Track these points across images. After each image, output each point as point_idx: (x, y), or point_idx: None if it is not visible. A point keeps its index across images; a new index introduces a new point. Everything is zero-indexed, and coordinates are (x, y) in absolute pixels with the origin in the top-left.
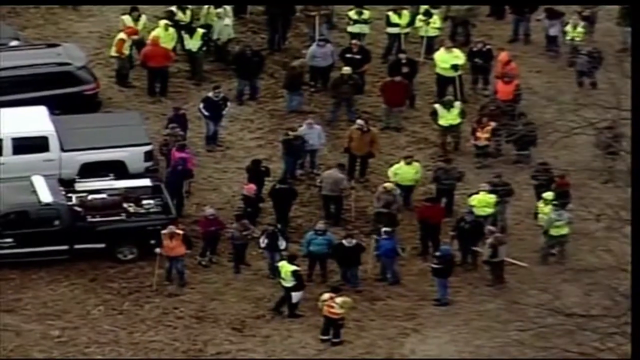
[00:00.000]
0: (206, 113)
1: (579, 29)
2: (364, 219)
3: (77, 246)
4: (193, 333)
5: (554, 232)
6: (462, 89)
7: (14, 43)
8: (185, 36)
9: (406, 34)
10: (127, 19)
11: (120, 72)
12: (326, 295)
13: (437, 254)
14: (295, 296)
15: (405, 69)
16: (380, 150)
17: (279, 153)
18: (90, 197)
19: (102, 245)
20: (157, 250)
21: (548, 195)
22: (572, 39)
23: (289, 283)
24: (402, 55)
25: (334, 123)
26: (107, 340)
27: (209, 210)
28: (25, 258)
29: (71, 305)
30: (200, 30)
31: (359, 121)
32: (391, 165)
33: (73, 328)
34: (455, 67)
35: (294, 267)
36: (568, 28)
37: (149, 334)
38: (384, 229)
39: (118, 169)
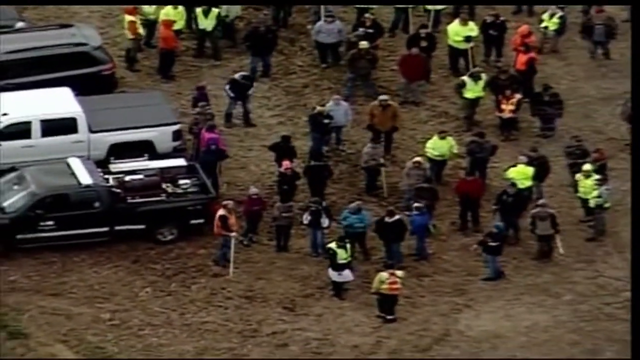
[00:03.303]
0: (232, 94)
1: (555, 19)
2: (396, 195)
3: (117, 228)
4: (245, 313)
5: (607, 204)
6: (474, 61)
7: (20, 24)
8: (200, 16)
9: (413, 7)
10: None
11: (129, 54)
12: (385, 275)
13: (493, 231)
14: (331, 274)
15: (423, 43)
16: (402, 125)
17: (301, 130)
18: (127, 178)
19: (143, 227)
20: (233, 234)
21: (587, 167)
22: (546, 27)
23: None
24: (422, 30)
25: (352, 98)
26: (159, 322)
27: (252, 190)
28: (66, 241)
29: (118, 287)
30: (215, 10)
31: (383, 96)
32: (417, 140)
33: (124, 310)
34: (468, 39)
35: (331, 245)
36: (545, 16)
37: (200, 315)
38: (415, 204)
39: (146, 149)
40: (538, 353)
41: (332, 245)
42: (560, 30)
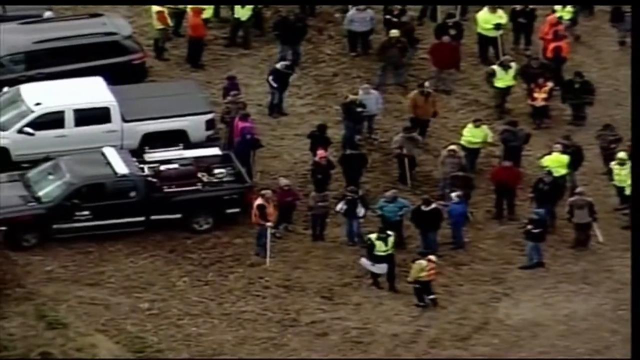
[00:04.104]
0: (275, 85)
1: (568, 8)
2: (430, 183)
3: (153, 217)
4: (283, 302)
5: None
6: (503, 49)
7: (48, 14)
8: (237, 6)
9: None
10: None
11: (158, 44)
12: (424, 262)
13: (534, 217)
14: (362, 262)
15: (451, 32)
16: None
17: (333, 119)
18: (163, 167)
19: (178, 216)
20: (268, 224)
21: (622, 155)
22: (561, 18)
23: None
24: (449, 20)
25: (382, 87)
26: (198, 312)
27: (283, 181)
28: (102, 230)
29: (155, 277)
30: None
31: (427, 83)
32: (449, 128)
33: (161, 300)
34: (498, 27)
35: (371, 235)
36: (557, 7)
37: (239, 305)
38: (454, 193)
39: (179, 139)
40: (578, 342)
41: (372, 236)
42: (575, 18)
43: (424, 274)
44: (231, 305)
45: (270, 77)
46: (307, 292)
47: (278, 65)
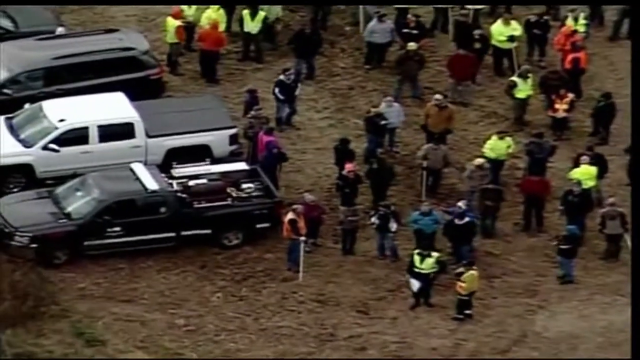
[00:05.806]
0: (281, 97)
1: (581, 21)
2: (455, 196)
3: (183, 233)
4: (319, 317)
5: None
6: (518, 61)
7: (60, 30)
8: (246, 18)
9: (452, 7)
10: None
11: (171, 58)
12: (475, 272)
13: (564, 234)
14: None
15: (477, 45)
16: (453, 127)
17: (353, 132)
18: (192, 182)
19: (209, 232)
20: (302, 238)
21: None
22: (575, 32)
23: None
24: (475, 32)
25: (400, 100)
26: (235, 328)
27: (309, 197)
28: (133, 247)
29: (188, 293)
30: (262, 14)
31: (437, 96)
32: (469, 140)
33: (197, 316)
34: (512, 39)
35: (415, 250)
36: (569, 21)
37: (275, 320)
38: (461, 202)
39: (203, 154)
40: (616, 353)
41: (416, 250)
42: (587, 31)
43: (476, 283)
44: (267, 321)
45: (277, 90)
46: (342, 306)
47: (282, 77)
